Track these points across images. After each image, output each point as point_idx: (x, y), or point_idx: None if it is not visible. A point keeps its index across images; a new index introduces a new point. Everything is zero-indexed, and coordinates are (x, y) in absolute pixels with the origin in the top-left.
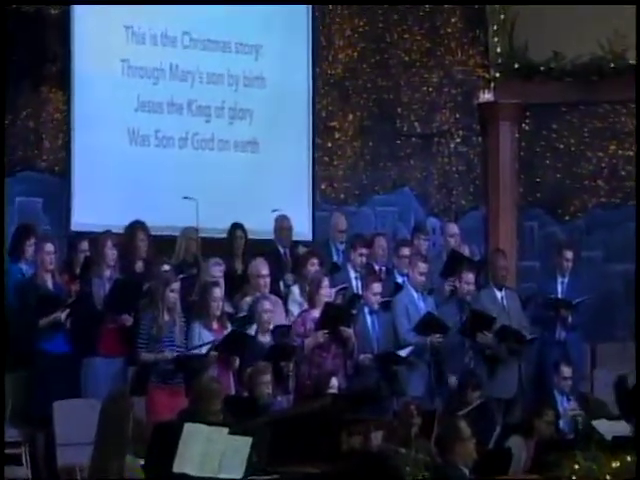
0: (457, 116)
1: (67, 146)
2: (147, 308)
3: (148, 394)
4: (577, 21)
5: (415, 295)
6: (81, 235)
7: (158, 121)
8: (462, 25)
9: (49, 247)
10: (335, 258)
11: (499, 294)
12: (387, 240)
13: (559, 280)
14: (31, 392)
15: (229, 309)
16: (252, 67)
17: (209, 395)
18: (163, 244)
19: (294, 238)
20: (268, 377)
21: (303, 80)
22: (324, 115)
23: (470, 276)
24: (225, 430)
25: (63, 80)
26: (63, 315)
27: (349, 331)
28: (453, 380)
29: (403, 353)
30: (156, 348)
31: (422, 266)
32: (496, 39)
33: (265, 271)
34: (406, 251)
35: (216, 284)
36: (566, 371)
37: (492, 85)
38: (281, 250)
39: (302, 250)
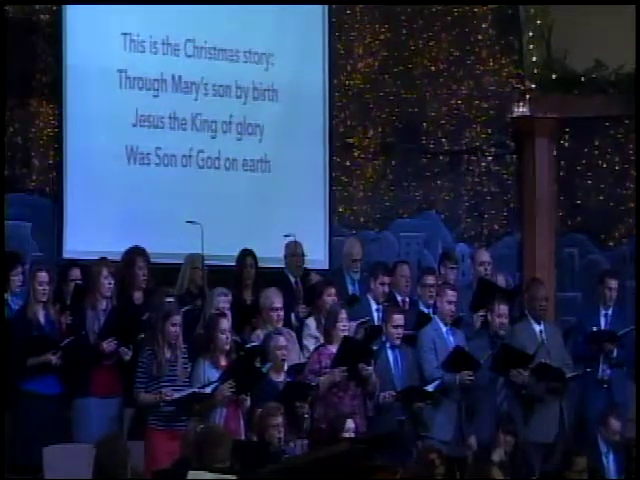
0: (489, 132)
1: (59, 165)
2: (146, 343)
3: (147, 438)
4: (621, 26)
5: (443, 329)
6: (74, 263)
7: (159, 137)
8: (494, 31)
9: (43, 276)
10: (350, 289)
11: (537, 328)
12: (411, 268)
13: (602, 312)
14: (18, 437)
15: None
16: (262, 78)
17: (214, 440)
18: (164, 273)
19: (309, 266)
20: (279, 419)
21: (319, 92)
22: (342, 131)
23: (503, 308)
24: (232, 479)
25: (54, 92)
26: (54, 358)
27: (369, 369)
28: (485, 422)
29: (429, 388)
30: (156, 388)
31: (450, 294)
32: (532, 47)
33: (279, 303)
34: (432, 280)
35: (223, 315)
36: (615, 425)
37: (527, 98)
38: (292, 279)
39: (315, 278)
